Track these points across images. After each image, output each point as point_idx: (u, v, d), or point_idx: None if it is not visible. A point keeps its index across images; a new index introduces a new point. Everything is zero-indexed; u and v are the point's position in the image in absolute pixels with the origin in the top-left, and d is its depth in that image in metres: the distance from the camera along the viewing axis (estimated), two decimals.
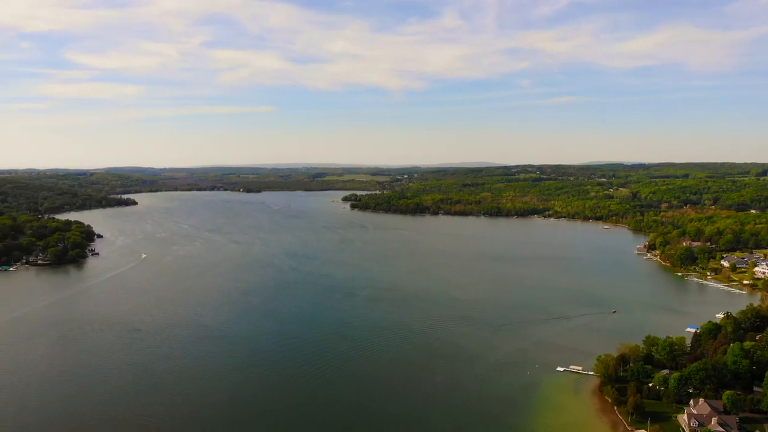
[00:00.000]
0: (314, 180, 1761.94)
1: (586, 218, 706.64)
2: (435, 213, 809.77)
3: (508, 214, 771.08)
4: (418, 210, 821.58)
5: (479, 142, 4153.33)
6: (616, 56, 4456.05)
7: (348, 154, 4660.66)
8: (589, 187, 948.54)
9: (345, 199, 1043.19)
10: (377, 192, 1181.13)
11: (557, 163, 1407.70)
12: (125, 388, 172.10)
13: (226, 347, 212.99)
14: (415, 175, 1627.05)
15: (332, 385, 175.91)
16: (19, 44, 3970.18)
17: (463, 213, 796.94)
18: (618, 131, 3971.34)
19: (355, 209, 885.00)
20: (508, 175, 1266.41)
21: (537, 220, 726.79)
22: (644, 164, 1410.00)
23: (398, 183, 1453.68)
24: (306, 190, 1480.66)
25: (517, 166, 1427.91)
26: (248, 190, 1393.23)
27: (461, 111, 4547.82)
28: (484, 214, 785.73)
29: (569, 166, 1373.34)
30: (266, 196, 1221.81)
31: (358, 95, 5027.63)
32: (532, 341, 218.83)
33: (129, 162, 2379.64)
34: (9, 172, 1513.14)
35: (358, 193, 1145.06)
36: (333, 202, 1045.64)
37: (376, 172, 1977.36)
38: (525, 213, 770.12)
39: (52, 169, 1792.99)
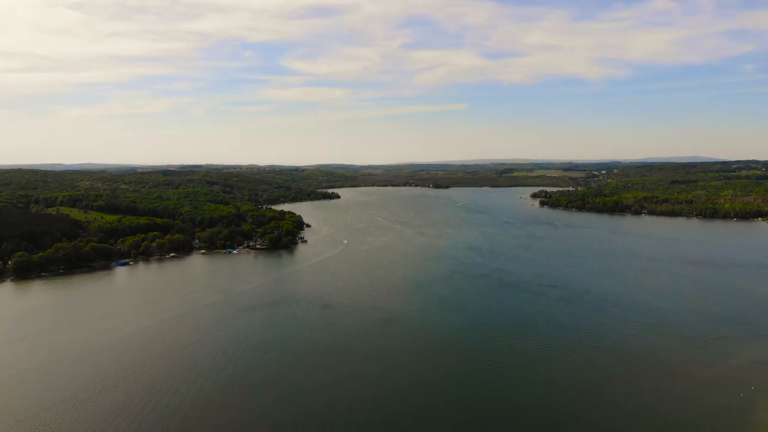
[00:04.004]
0: (501, 176, 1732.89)
1: None
2: (637, 212, 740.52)
3: (725, 215, 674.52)
4: (617, 209, 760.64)
5: (692, 133, 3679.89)
6: None
7: (538, 149, 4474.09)
8: None
9: (533, 195, 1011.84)
10: (570, 188, 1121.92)
11: None
12: (312, 363, 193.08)
13: (412, 334, 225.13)
14: (615, 170, 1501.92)
15: (518, 384, 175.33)
16: (243, 53, 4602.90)
17: (671, 213, 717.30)
18: None
19: (544, 206, 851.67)
20: (726, 171, 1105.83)
21: (761, 224, 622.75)
22: None
23: (594, 179, 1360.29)
24: (492, 186, 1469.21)
25: (738, 162, 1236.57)
26: (437, 186, 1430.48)
27: (671, 99, 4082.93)
28: (696, 215, 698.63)
29: None
30: (453, 192, 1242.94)
31: (552, 87, 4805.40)
32: (747, 360, 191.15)
33: (334, 159, 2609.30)
34: (234, 167, 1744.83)
35: (548, 189, 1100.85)
36: (520, 198, 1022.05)
37: (570, 167, 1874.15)
38: (747, 215, 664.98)
39: (270, 165, 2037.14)
